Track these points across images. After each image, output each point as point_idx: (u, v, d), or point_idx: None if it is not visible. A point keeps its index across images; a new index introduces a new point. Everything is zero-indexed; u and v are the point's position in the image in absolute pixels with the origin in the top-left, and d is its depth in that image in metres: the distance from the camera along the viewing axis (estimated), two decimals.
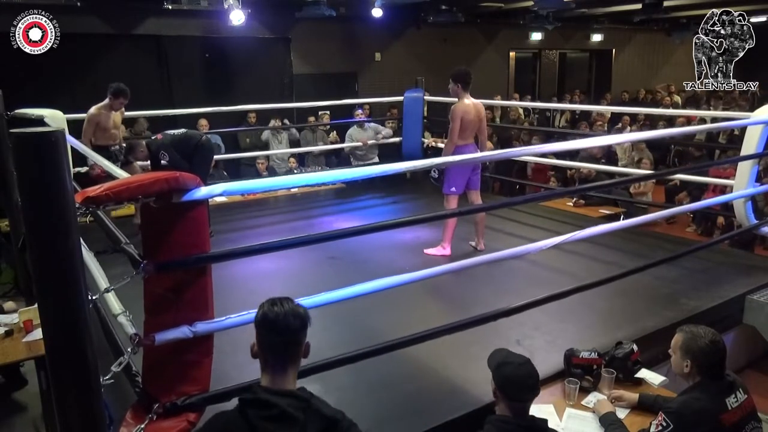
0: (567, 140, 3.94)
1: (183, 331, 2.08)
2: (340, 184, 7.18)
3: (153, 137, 5.20)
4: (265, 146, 8.13)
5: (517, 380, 2.06)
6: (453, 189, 4.72)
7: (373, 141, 7.61)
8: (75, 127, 5.18)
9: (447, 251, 4.77)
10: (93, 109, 5.33)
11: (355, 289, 2.55)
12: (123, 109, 5.61)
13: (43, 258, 1.71)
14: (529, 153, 6.02)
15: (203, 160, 5.23)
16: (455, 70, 4.74)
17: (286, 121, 8.44)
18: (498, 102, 9.80)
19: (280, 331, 1.62)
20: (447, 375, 3.00)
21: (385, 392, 2.83)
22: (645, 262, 3.84)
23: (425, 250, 4.84)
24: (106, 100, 5.36)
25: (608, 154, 7.75)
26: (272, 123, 8.26)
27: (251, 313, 2.33)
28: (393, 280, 2.72)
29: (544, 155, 6.64)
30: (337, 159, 8.54)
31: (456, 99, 4.70)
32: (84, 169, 5.50)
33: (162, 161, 4.91)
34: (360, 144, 7.58)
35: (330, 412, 1.61)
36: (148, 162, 5.18)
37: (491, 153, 5.48)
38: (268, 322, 1.63)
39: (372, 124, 7.83)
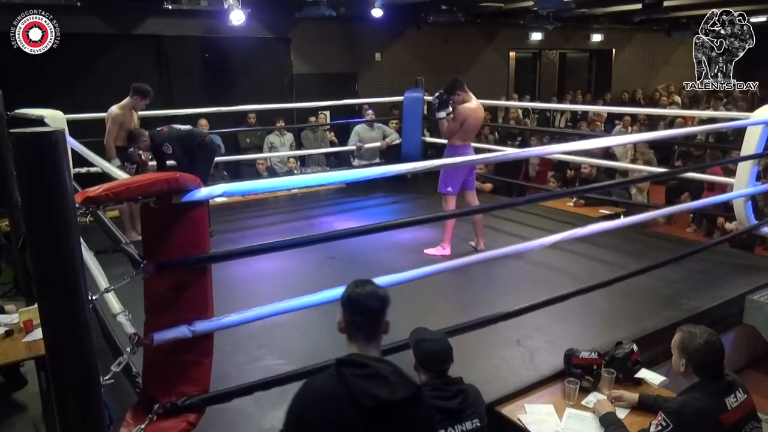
0: (567, 141, 3.95)
1: (182, 331, 2.08)
2: (340, 184, 7.17)
3: (158, 129, 5.22)
4: (270, 146, 8.09)
5: (435, 355, 2.26)
6: (449, 189, 4.72)
7: (378, 144, 7.56)
8: (75, 127, 5.17)
9: (447, 251, 4.77)
10: (116, 109, 5.14)
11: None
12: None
13: (43, 258, 1.71)
14: (528, 154, 6.02)
15: (204, 159, 5.28)
16: (446, 85, 4.66)
17: (281, 122, 8.39)
18: (497, 102, 9.79)
19: (363, 311, 1.76)
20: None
21: None
22: (645, 262, 3.84)
23: (425, 251, 4.84)
24: (128, 100, 5.19)
25: (607, 155, 7.74)
26: (279, 124, 8.25)
27: (251, 313, 2.35)
28: (392, 279, 2.72)
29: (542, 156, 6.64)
30: (337, 159, 8.54)
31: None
32: (84, 170, 5.49)
33: (166, 152, 4.97)
34: (357, 146, 7.52)
35: (416, 382, 1.73)
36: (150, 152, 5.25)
37: (492, 154, 5.49)
38: (352, 302, 1.78)
39: (380, 125, 7.79)
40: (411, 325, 2.60)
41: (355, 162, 7.67)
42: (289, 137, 8.22)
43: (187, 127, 5.35)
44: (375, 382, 1.62)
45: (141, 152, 5.37)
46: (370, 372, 1.63)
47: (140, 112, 6.08)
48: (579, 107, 10.87)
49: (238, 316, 2.30)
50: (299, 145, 8.56)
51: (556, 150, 5.13)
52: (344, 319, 1.80)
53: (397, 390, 1.62)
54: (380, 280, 2.67)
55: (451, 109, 4.63)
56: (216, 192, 2.14)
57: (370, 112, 8.01)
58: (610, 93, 13.45)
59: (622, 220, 4.20)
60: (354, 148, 7.52)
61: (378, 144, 7.52)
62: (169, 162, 5.23)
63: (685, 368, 2.29)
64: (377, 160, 7.64)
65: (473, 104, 4.65)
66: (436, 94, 4.73)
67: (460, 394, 2.24)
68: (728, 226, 6.02)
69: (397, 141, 7.52)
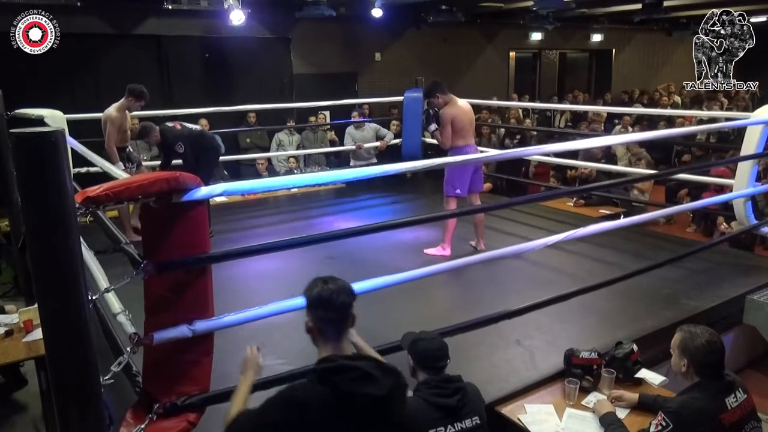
0: (568, 140, 3.95)
1: (182, 331, 2.08)
2: (340, 184, 7.18)
3: (170, 125, 5.21)
4: (278, 145, 8.09)
5: (432, 353, 2.28)
6: (458, 191, 4.71)
7: (375, 144, 7.57)
8: (75, 127, 5.17)
9: (447, 252, 4.77)
10: (113, 111, 5.10)
11: (355, 286, 2.54)
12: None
13: (43, 258, 1.71)
14: (529, 153, 6.02)
15: (209, 162, 5.29)
16: (425, 87, 4.74)
17: (291, 122, 8.42)
18: (498, 102, 9.80)
19: (337, 308, 1.77)
20: None
21: None
22: (645, 262, 3.84)
23: (425, 251, 4.84)
24: (123, 101, 5.16)
25: (608, 155, 7.74)
26: (290, 123, 8.26)
27: (251, 312, 2.35)
28: (392, 279, 2.72)
29: (546, 155, 6.64)
30: (337, 159, 8.55)
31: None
32: (84, 170, 5.48)
33: (178, 151, 5.03)
34: (357, 146, 7.54)
35: (391, 367, 1.77)
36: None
37: (494, 153, 5.49)
38: (324, 300, 1.77)
39: (371, 125, 7.81)
40: (411, 324, 2.60)
41: (352, 163, 7.70)
42: (297, 137, 8.24)
43: (198, 127, 5.35)
44: (366, 383, 1.65)
45: (137, 152, 5.41)
46: (360, 374, 1.66)
47: (141, 112, 6.09)
48: (579, 107, 10.86)
49: (238, 315, 2.30)
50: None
51: (555, 149, 5.13)
52: (314, 319, 1.78)
53: (385, 384, 1.67)
54: (380, 281, 2.68)
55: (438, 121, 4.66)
56: (216, 191, 2.15)
57: (356, 113, 8.02)
58: (610, 93, 13.45)
59: (624, 220, 4.19)
60: (353, 148, 7.54)
61: (377, 144, 7.53)
62: (175, 161, 5.24)
63: (686, 368, 2.29)
64: (374, 160, 7.66)
65: (458, 103, 4.66)
66: (423, 110, 4.76)
67: (459, 392, 2.25)
68: (724, 227, 6.02)
69: (394, 140, 7.53)
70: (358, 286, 2.55)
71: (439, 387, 2.23)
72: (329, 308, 1.76)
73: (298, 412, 1.61)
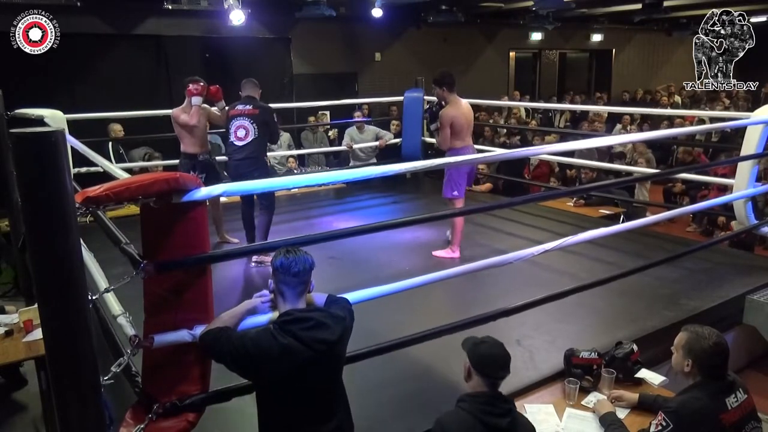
0: (568, 140, 3.95)
1: (182, 335, 2.07)
2: (340, 184, 7.18)
3: None
4: None
5: (493, 358, 2.17)
6: (455, 193, 4.70)
7: (374, 144, 7.57)
8: (75, 127, 5.16)
9: (456, 254, 4.71)
10: (174, 110, 4.95)
11: (362, 293, 2.54)
12: (209, 107, 5.11)
13: (43, 258, 1.71)
14: (528, 153, 6.01)
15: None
16: (438, 73, 4.67)
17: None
18: (498, 102, 9.79)
19: (296, 273, 2.02)
20: (447, 374, 3.00)
21: (386, 392, 2.83)
22: (645, 262, 3.84)
23: (434, 252, 4.78)
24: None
25: (610, 156, 7.73)
26: None
27: (254, 319, 2.35)
28: (407, 283, 2.71)
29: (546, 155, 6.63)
30: (336, 159, 8.55)
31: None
32: (84, 170, 5.48)
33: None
34: (347, 146, 7.52)
35: (340, 315, 2.07)
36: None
37: (495, 154, 5.48)
38: (285, 268, 2.01)
39: (372, 127, 7.80)
40: (410, 323, 2.60)
41: (351, 163, 7.70)
42: (285, 138, 8.17)
43: None
44: (320, 330, 1.96)
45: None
46: (314, 323, 1.96)
47: (141, 112, 6.01)
48: (579, 107, 10.86)
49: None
50: (298, 144, 8.55)
51: (556, 149, 5.12)
52: (276, 282, 2.04)
53: (335, 330, 1.99)
54: (392, 287, 2.68)
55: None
56: (216, 191, 2.15)
57: (358, 113, 8.01)
58: (610, 93, 13.45)
59: (626, 224, 4.18)
60: (346, 148, 7.54)
61: (375, 143, 7.52)
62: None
63: (690, 369, 2.28)
64: (373, 161, 7.66)
65: (458, 104, 4.62)
66: (427, 107, 4.71)
67: (510, 414, 2.12)
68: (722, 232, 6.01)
69: (393, 140, 7.53)
70: (366, 294, 2.56)
71: (491, 404, 2.10)
72: (288, 274, 2.00)
73: (274, 357, 1.88)
